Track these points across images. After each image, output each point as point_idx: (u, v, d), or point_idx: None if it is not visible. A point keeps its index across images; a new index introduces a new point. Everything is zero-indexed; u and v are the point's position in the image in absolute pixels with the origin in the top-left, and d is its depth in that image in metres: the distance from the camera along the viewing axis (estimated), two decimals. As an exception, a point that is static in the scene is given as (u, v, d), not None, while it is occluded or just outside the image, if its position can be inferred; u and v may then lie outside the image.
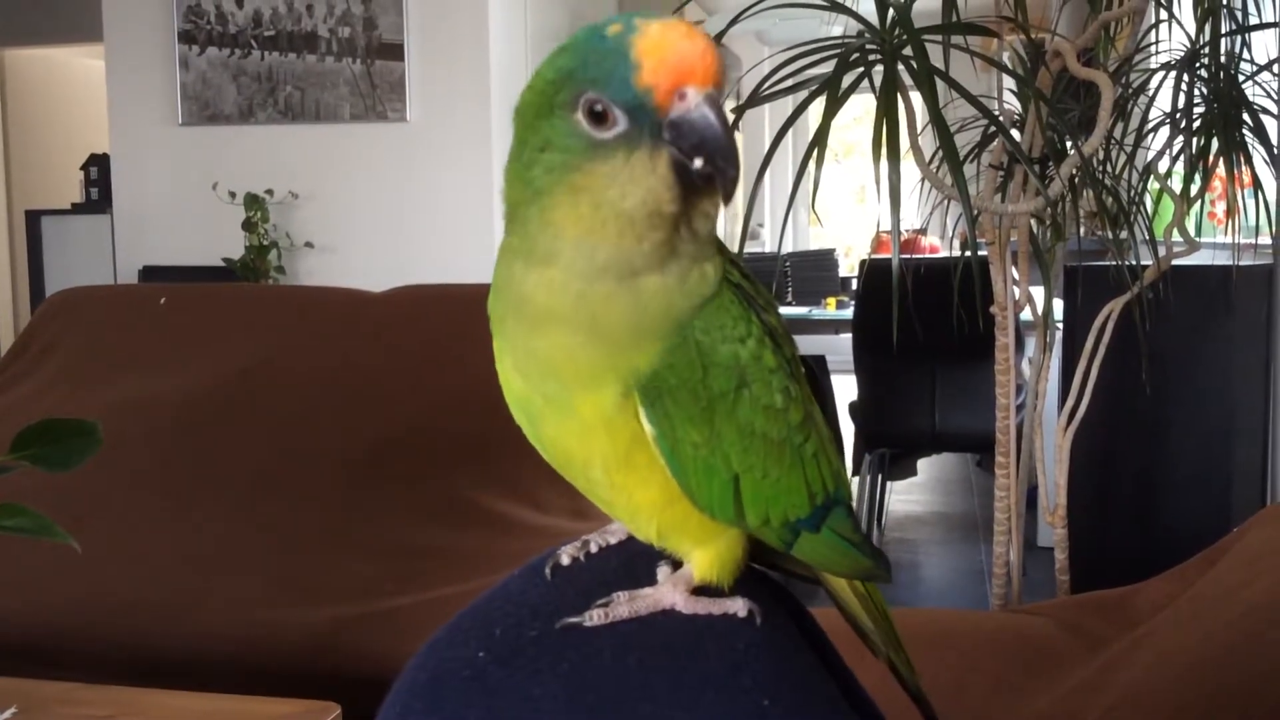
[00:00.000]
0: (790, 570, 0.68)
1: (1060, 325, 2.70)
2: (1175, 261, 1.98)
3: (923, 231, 5.57)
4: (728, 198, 0.54)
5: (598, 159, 0.53)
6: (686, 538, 0.62)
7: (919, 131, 1.67)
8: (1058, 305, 2.64)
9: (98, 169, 6.00)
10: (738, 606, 0.61)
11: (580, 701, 0.53)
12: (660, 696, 0.53)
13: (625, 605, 0.60)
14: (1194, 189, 2.00)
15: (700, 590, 0.62)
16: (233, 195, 4.50)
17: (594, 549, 0.67)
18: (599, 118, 0.53)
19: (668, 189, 0.53)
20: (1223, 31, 1.93)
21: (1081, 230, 2.23)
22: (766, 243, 8.68)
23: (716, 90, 0.53)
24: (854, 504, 0.67)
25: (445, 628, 0.60)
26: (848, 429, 4.17)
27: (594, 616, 0.59)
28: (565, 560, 0.66)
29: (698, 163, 0.53)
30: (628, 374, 0.56)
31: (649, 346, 0.56)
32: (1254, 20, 1.97)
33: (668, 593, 0.61)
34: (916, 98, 1.58)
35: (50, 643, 1.75)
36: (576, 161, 0.54)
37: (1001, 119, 1.85)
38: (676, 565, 0.63)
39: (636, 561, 0.65)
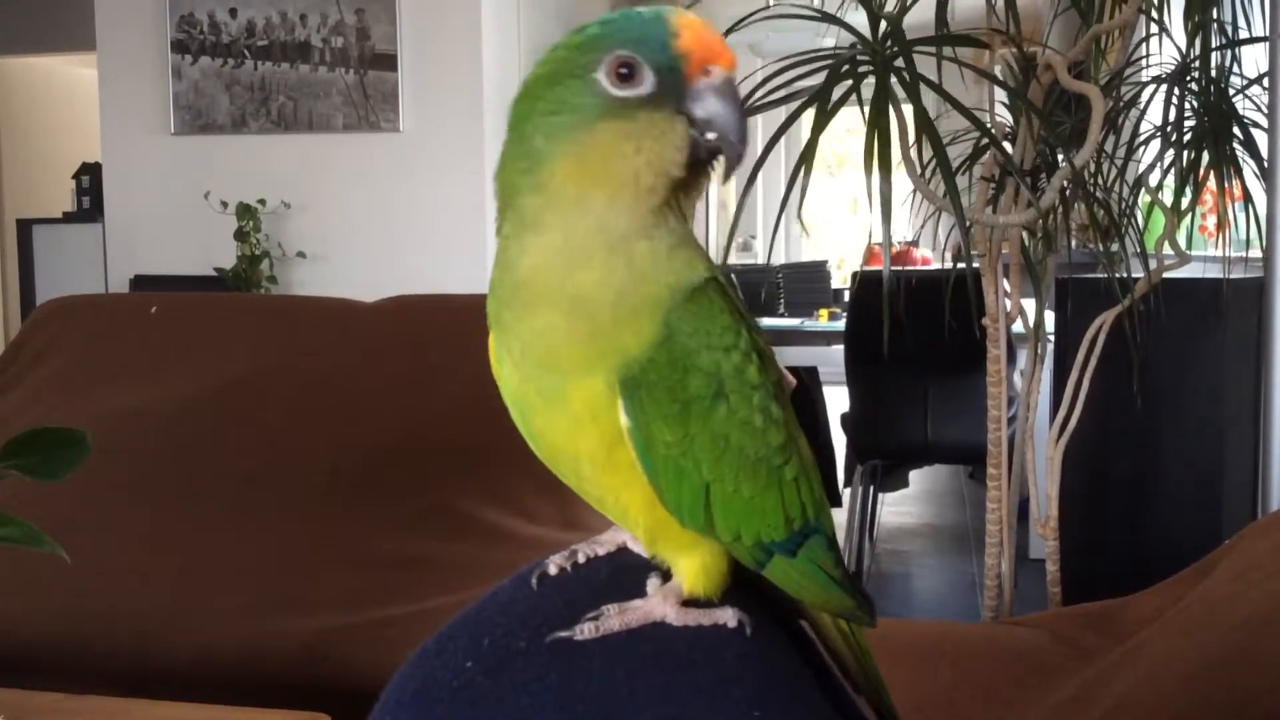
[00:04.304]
0: (777, 598, 0.68)
1: (1052, 337, 2.71)
2: (1166, 274, 1.98)
3: (915, 243, 5.59)
4: (728, 174, 0.56)
5: (615, 118, 0.55)
6: (670, 544, 0.62)
7: (911, 143, 1.67)
8: (1049, 317, 2.65)
9: (89, 178, 5.99)
10: (728, 616, 0.61)
11: (568, 713, 0.53)
12: (649, 708, 0.53)
13: (616, 619, 0.59)
14: (1185, 202, 2.01)
15: (690, 602, 0.61)
16: (225, 205, 4.49)
17: (582, 559, 0.67)
18: (626, 77, 0.55)
19: (679, 152, 0.55)
20: (1213, 45, 1.94)
21: (1073, 243, 2.24)
22: (759, 254, 8.67)
23: (734, 79, 0.56)
24: (839, 543, 0.66)
25: (433, 638, 0.60)
26: (839, 441, 4.17)
27: (584, 630, 0.58)
28: (553, 570, 0.66)
29: (710, 135, 0.55)
30: (616, 356, 0.56)
31: (639, 326, 0.56)
32: (1244, 34, 1.98)
33: (658, 605, 0.60)
34: (908, 109, 1.58)
35: (38, 653, 1.74)
36: (590, 121, 0.55)
37: (993, 131, 1.85)
38: (666, 576, 0.63)
39: (625, 573, 0.64)
